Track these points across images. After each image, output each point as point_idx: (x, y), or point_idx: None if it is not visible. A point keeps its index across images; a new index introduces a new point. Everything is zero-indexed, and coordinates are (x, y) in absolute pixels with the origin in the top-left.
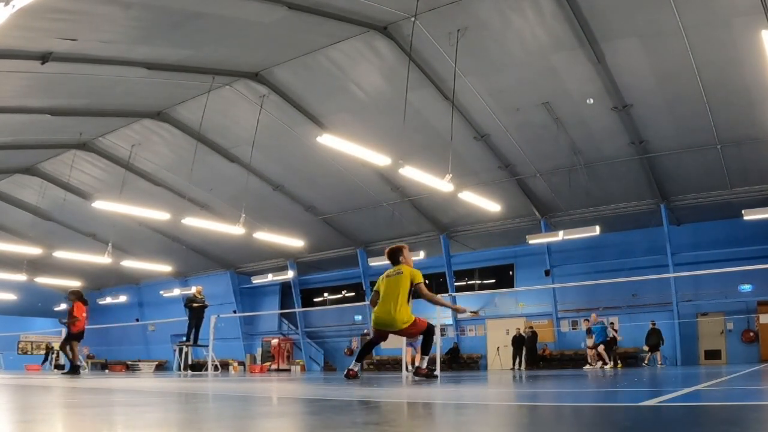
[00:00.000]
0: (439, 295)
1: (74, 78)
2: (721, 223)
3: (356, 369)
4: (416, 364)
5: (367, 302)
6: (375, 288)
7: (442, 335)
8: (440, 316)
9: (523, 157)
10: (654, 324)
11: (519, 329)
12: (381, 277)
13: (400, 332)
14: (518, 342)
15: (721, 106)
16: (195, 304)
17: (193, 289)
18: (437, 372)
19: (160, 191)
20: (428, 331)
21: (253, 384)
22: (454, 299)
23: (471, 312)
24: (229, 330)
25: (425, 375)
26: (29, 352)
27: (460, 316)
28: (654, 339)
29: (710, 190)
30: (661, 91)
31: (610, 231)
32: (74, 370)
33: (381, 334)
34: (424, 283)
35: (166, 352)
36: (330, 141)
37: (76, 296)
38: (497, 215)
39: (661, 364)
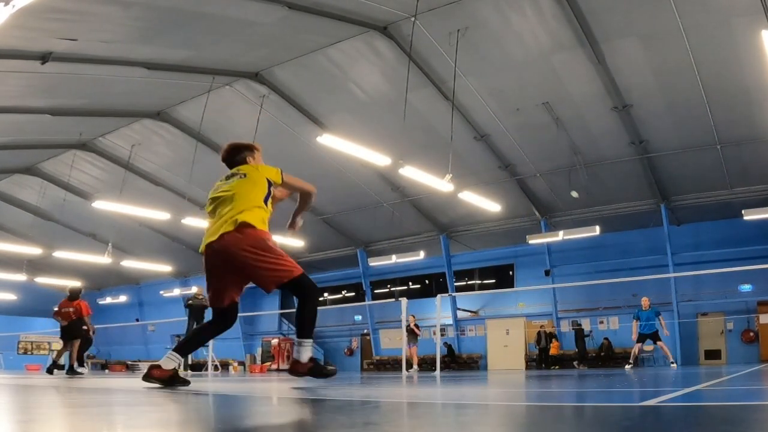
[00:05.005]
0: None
1: (74, 78)
2: (721, 223)
3: (167, 366)
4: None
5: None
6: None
7: (442, 335)
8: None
9: (523, 157)
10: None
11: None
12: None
13: (242, 266)
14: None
15: (721, 106)
16: (192, 301)
17: (194, 289)
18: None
19: (160, 191)
20: (300, 285)
21: (253, 384)
22: (454, 300)
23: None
24: (229, 330)
25: (312, 371)
26: (29, 352)
27: (460, 315)
28: None
29: (710, 190)
30: (661, 91)
31: (610, 231)
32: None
33: (218, 279)
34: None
35: (166, 352)
36: (330, 141)
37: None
38: (497, 215)
39: None
